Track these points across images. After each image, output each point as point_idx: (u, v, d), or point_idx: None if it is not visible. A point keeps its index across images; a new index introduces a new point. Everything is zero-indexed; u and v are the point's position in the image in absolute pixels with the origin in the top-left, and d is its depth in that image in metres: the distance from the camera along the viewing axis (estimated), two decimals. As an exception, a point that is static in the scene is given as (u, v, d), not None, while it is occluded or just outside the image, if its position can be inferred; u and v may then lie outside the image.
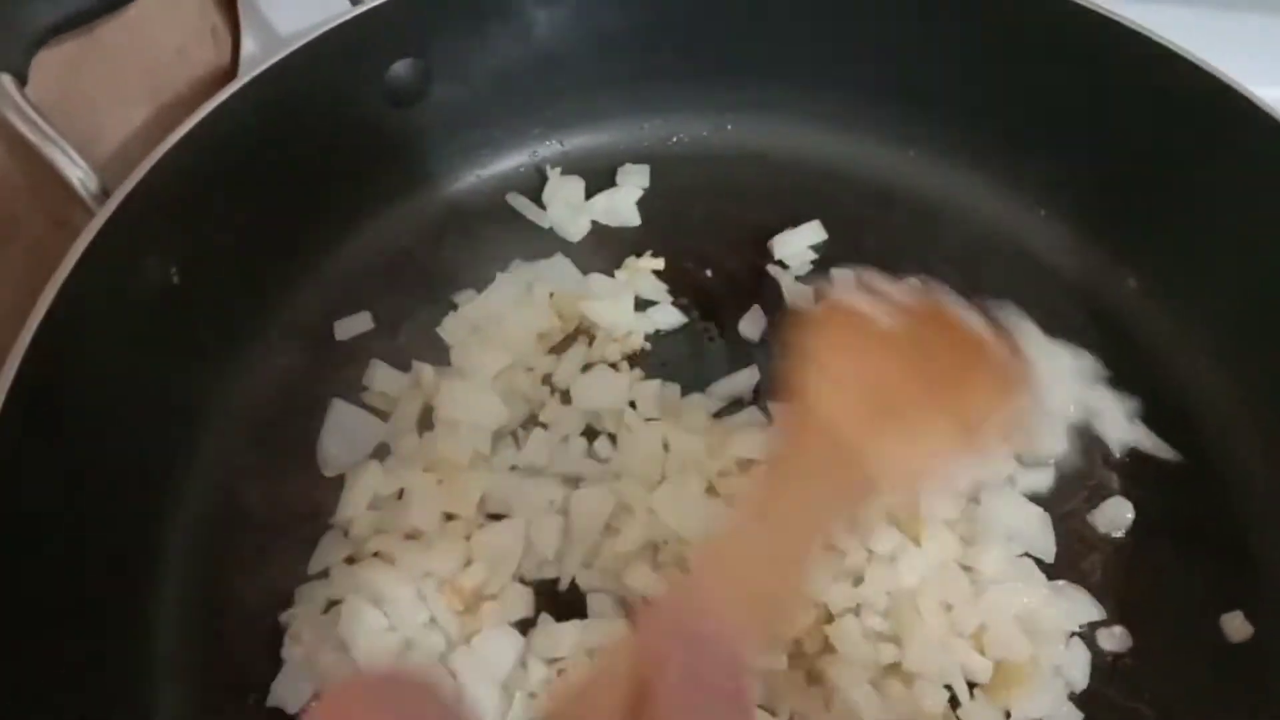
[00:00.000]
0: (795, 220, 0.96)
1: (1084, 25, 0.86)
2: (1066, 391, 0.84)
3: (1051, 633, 0.75)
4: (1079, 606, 0.77)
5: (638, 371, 0.87)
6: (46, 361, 0.66)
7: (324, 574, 0.78)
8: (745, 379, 0.87)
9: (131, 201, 0.72)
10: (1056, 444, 0.82)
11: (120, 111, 0.91)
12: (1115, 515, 0.82)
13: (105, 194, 0.73)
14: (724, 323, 0.91)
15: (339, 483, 0.81)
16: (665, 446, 0.81)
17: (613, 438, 0.83)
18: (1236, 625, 0.77)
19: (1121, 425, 0.85)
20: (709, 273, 0.94)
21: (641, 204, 0.97)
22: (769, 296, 0.92)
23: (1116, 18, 0.85)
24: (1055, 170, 0.95)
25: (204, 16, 1.02)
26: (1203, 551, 0.80)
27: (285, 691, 0.72)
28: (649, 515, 0.77)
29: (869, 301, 0.61)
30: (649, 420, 0.83)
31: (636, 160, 0.99)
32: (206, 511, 0.80)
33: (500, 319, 0.89)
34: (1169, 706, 0.75)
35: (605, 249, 0.95)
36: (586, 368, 0.87)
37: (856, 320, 0.60)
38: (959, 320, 0.62)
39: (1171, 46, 0.83)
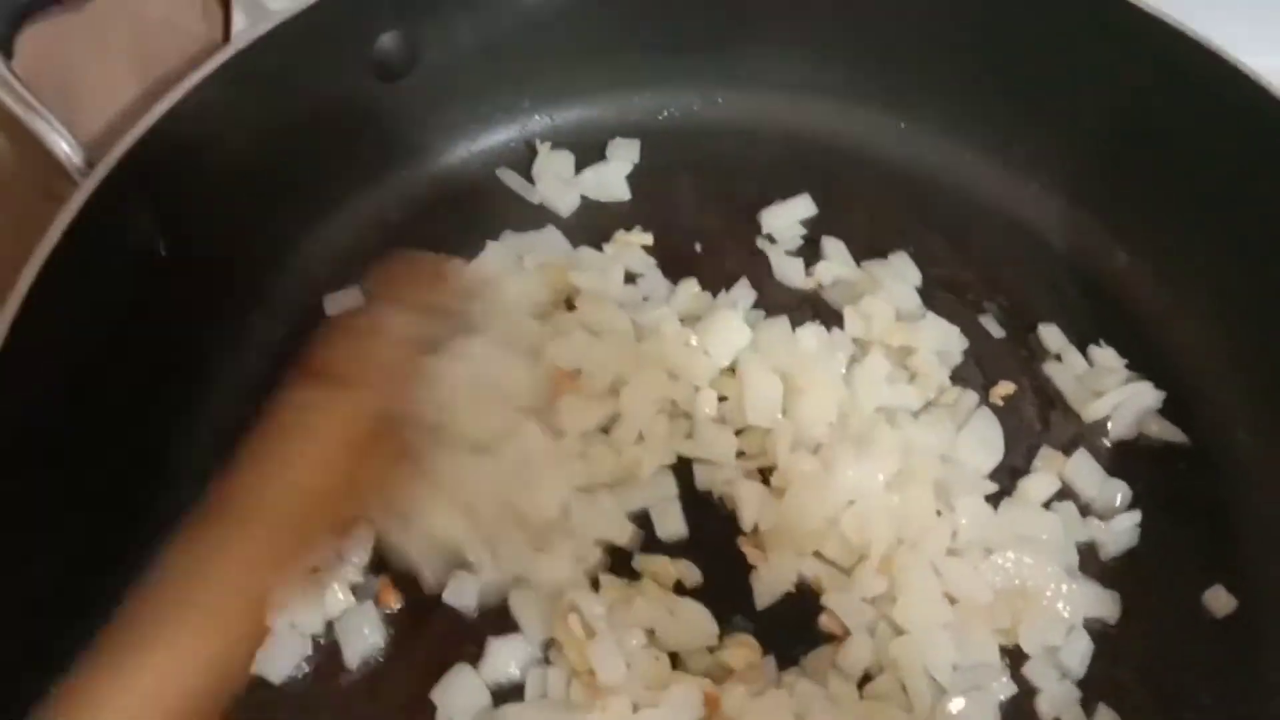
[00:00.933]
0: (785, 194, 0.96)
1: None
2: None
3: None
4: (1093, 600, 0.77)
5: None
6: (32, 334, 0.67)
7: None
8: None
9: (116, 174, 0.72)
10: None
11: (108, 82, 0.91)
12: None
13: (90, 166, 0.74)
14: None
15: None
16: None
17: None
18: (1220, 600, 0.77)
19: (1135, 416, 0.84)
20: (698, 247, 0.94)
21: (631, 178, 0.97)
22: (759, 270, 0.92)
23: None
24: (1047, 143, 0.94)
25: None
26: (1187, 524, 0.81)
27: (270, 661, 0.73)
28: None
29: None
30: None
31: (626, 134, 0.99)
32: (195, 483, 0.80)
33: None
34: (1153, 675, 0.75)
35: (594, 223, 0.95)
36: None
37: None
38: None
39: (1163, 17, 0.83)
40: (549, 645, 0.74)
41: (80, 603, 0.59)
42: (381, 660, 0.75)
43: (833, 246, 0.92)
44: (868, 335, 0.85)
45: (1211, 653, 0.76)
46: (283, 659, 0.73)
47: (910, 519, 0.76)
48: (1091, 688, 0.74)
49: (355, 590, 0.77)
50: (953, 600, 0.74)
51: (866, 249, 0.93)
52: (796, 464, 0.78)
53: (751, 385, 0.80)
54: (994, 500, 0.79)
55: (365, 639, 0.74)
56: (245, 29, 0.99)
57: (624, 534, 0.77)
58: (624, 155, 0.98)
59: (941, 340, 0.86)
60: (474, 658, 0.74)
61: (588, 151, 0.98)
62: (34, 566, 0.68)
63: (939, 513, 0.77)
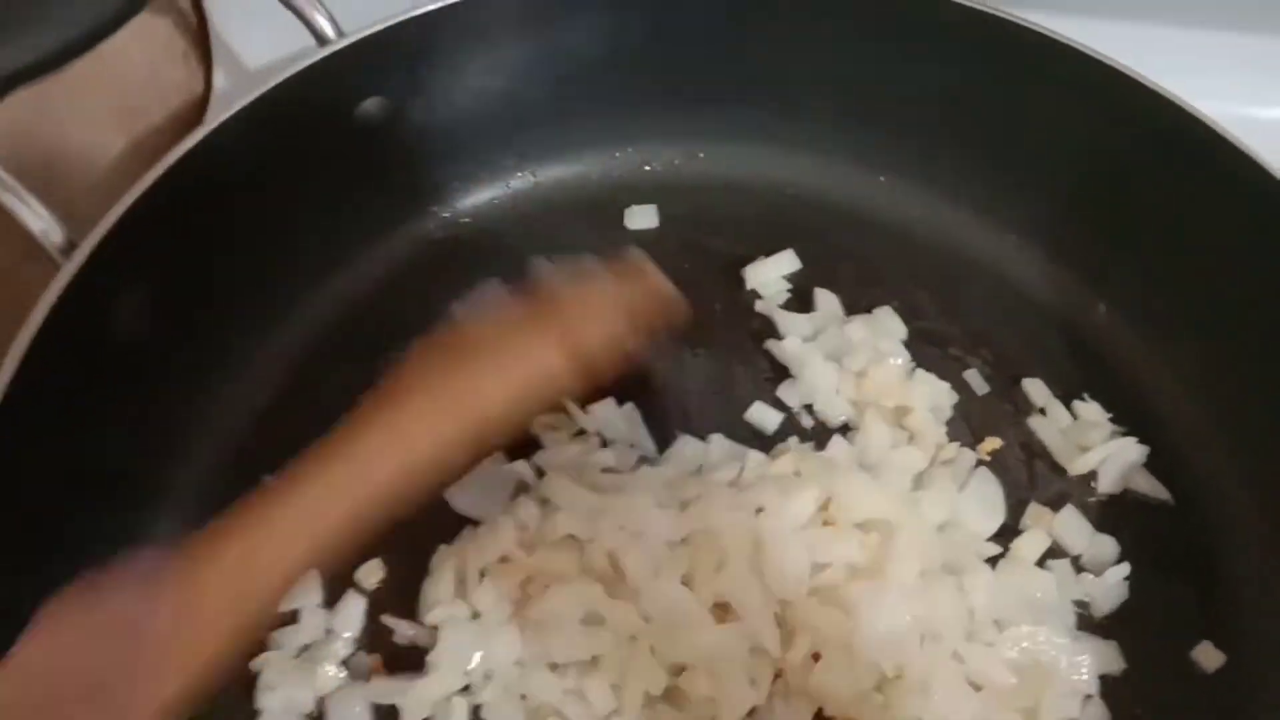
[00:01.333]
0: (769, 248, 0.96)
1: (1054, 55, 0.86)
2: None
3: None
4: (1100, 658, 0.76)
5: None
6: (19, 415, 0.66)
7: (294, 618, 0.77)
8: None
9: (97, 255, 0.71)
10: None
11: (91, 138, 0.90)
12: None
13: (71, 245, 0.73)
14: (696, 351, 0.91)
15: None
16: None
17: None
18: (1209, 655, 0.78)
19: (1121, 471, 0.85)
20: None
21: (613, 231, 0.97)
22: (745, 330, 0.92)
23: (1085, 49, 0.85)
24: (1027, 197, 0.95)
25: (175, 40, 1.01)
26: (1175, 578, 0.81)
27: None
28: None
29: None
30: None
31: (608, 189, 0.99)
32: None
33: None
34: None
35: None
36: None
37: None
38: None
39: (1138, 77, 0.84)
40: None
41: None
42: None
43: (825, 298, 0.93)
44: (861, 397, 0.85)
45: (1203, 709, 0.76)
46: (276, 740, 0.73)
47: (934, 614, 0.74)
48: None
49: (347, 666, 0.76)
50: (977, 688, 0.73)
51: (850, 304, 0.93)
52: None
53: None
54: (990, 562, 0.79)
55: (356, 718, 0.74)
56: (224, 89, 0.99)
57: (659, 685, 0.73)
58: (642, 221, 0.98)
59: (934, 397, 0.86)
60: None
61: (577, 207, 0.98)
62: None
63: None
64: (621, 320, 0.70)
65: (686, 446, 0.85)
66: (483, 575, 0.77)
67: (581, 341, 0.67)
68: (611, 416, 0.86)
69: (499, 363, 0.66)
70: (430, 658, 0.74)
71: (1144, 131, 0.86)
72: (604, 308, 0.71)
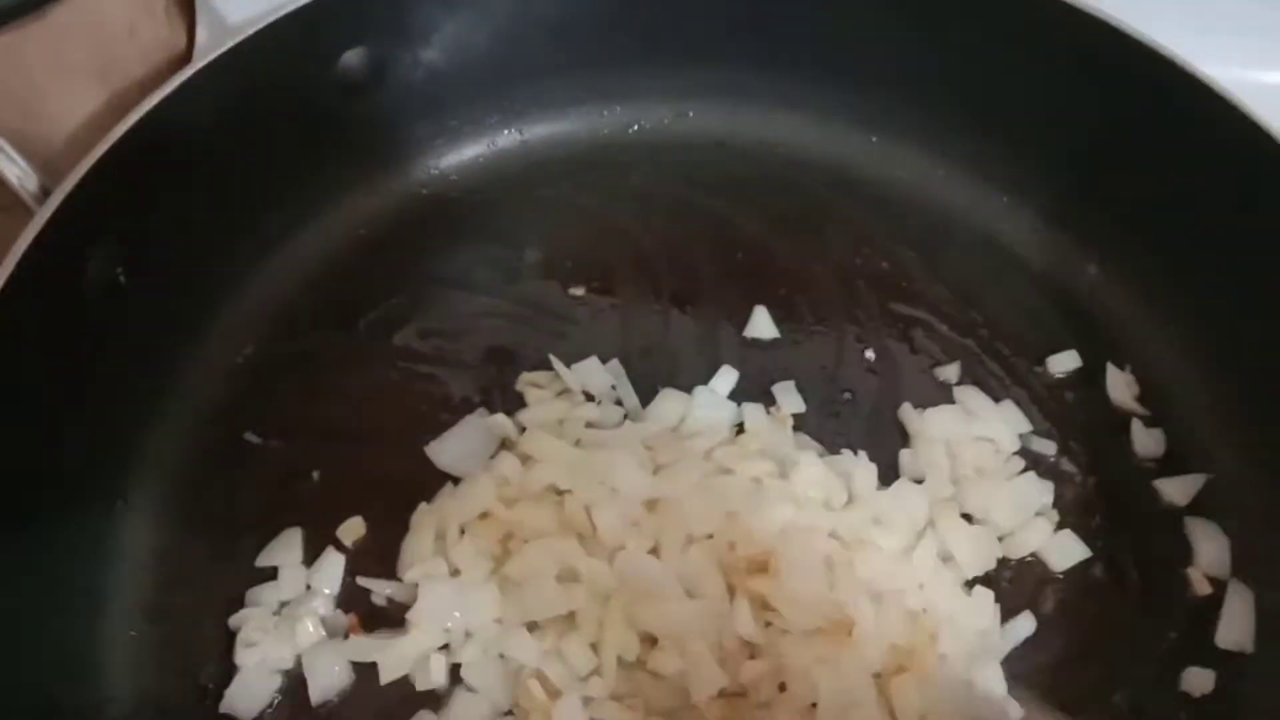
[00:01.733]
0: (759, 208, 0.95)
1: (1048, 12, 0.85)
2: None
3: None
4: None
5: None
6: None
7: (273, 575, 0.77)
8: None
9: (72, 201, 0.70)
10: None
11: (68, 92, 0.88)
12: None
13: (45, 192, 0.71)
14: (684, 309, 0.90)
15: (293, 485, 0.81)
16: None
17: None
18: (1199, 680, 0.75)
19: None
20: (668, 263, 0.93)
21: (601, 190, 0.96)
22: (735, 292, 0.91)
23: (1082, 6, 0.84)
24: (1019, 156, 0.94)
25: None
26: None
27: (239, 698, 0.71)
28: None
29: None
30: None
31: (596, 147, 0.98)
32: (157, 513, 0.79)
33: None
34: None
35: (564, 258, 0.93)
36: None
37: None
38: None
39: (1131, 32, 0.83)
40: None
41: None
42: (338, 701, 0.73)
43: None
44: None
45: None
46: (252, 696, 0.72)
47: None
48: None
49: (325, 624, 0.75)
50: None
51: (838, 266, 0.92)
52: None
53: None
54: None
55: (333, 676, 0.73)
56: (205, 44, 0.97)
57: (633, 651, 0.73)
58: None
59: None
60: (437, 705, 0.73)
61: (564, 166, 0.97)
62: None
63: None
64: None
65: (668, 401, 0.84)
66: (463, 533, 0.77)
67: None
68: (596, 373, 0.85)
69: None
70: (409, 615, 0.73)
71: (1141, 90, 0.84)
72: None
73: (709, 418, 0.83)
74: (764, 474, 0.78)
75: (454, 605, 0.73)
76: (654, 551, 0.74)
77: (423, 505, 0.79)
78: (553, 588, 0.73)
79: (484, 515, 0.77)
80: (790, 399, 0.85)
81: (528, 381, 0.85)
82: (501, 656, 0.73)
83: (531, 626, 0.73)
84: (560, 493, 0.77)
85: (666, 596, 0.72)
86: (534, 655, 0.72)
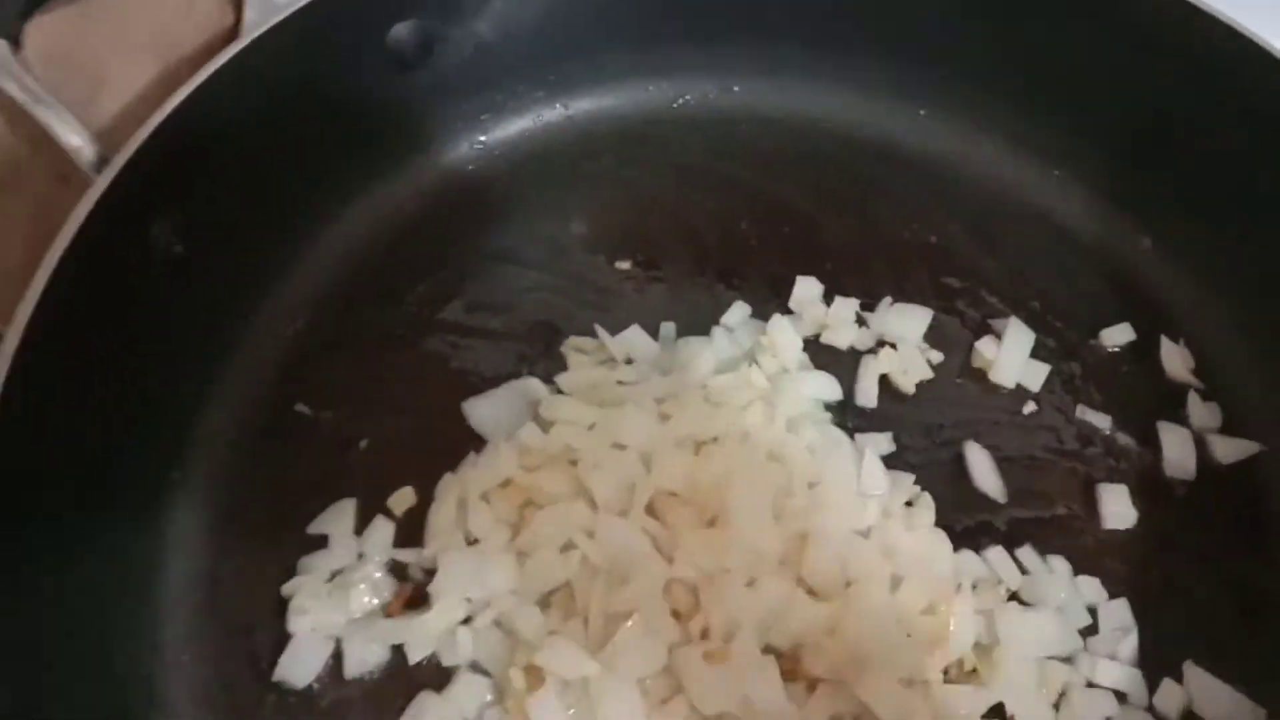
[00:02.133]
0: (804, 184, 0.94)
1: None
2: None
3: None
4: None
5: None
6: (47, 343, 0.65)
7: (324, 543, 0.77)
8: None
9: (129, 171, 0.71)
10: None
11: (125, 68, 0.89)
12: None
13: (103, 161, 0.72)
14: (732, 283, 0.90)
15: (344, 455, 0.81)
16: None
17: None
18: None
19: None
20: (714, 237, 0.93)
21: (646, 165, 0.96)
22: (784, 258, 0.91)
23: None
24: (1070, 130, 0.93)
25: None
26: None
27: (291, 666, 0.72)
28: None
29: None
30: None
31: (642, 121, 0.97)
32: (211, 484, 0.80)
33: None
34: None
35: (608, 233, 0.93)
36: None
37: None
38: None
39: (1197, 3, 0.81)
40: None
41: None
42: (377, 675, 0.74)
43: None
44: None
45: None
46: (304, 664, 0.73)
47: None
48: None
49: (376, 591, 0.76)
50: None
51: (885, 241, 0.92)
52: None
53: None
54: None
55: (369, 652, 0.73)
56: (252, 21, 0.97)
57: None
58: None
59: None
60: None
61: (609, 140, 0.96)
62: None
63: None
64: None
65: (687, 347, 0.84)
66: (489, 504, 0.77)
67: None
68: (640, 341, 0.85)
69: None
70: (431, 588, 0.73)
71: (1197, 61, 0.83)
72: None
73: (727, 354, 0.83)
74: (754, 406, 0.78)
75: (472, 576, 0.73)
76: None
77: (447, 475, 0.79)
78: (554, 557, 0.73)
79: (506, 484, 0.77)
80: (829, 386, 0.84)
81: (573, 346, 0.86)
82: (497, 624, 0.73)
83: (545, 603, 0.73)
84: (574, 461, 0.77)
85: (646, 571, 0.71)
86: (537, 632, 0.71)
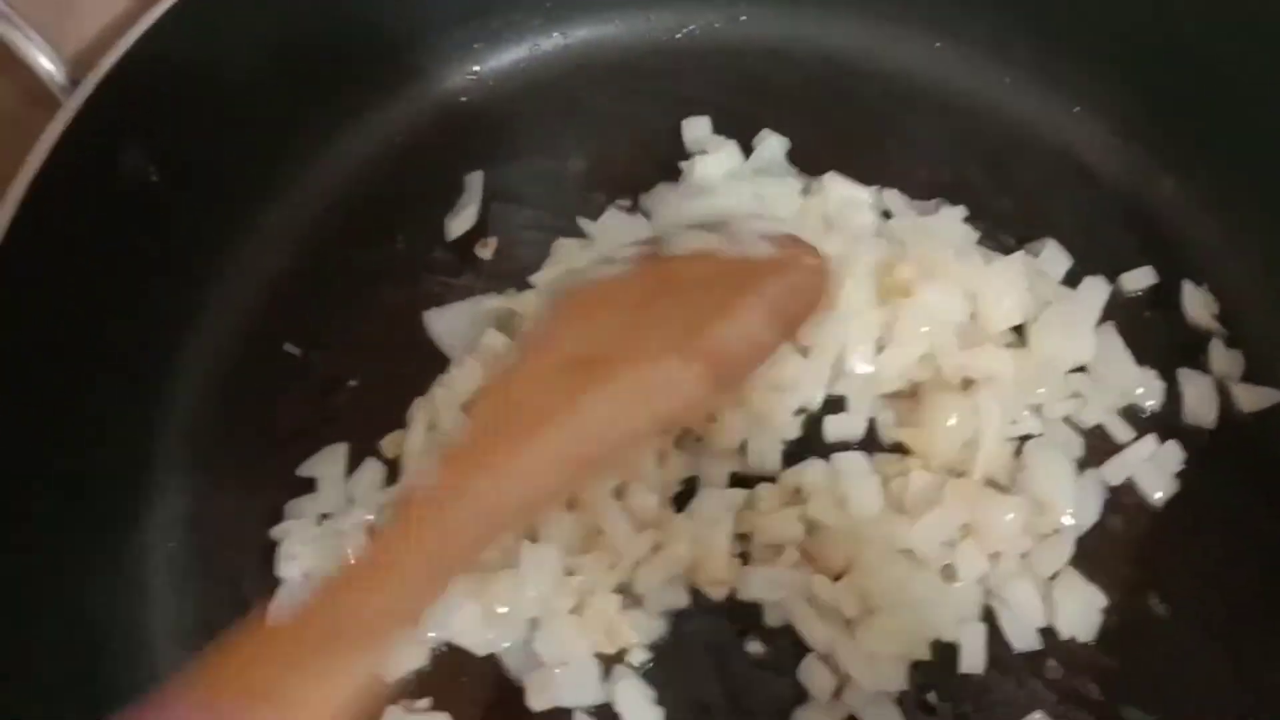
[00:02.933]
0: (813, 119, 0.90)
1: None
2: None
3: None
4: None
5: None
6: (14, 274, 0.63)
7: (312, 485, 0.75)
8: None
9: (101, 94, 0.68)
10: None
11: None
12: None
13: (74, 84, 0.69)
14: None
15: (333, 397, 0.79)
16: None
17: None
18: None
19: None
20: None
21: (647, 98, 0.91)
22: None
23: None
24: (1091, 63, 0.88)
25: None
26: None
27: (282, 611, 0.69)
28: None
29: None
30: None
31: (642, 52, 0.93)
32: (195, 424, 0.77)
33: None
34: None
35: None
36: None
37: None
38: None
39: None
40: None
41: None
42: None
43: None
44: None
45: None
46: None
47: None
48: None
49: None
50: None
51: (900, 179, 0.87)
52: None
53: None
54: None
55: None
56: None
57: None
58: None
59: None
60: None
61: (608, 71, 0.92)
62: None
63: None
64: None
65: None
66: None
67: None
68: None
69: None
70: None
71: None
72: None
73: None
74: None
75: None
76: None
77: (417, 399, 0.77)
78: None
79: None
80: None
81: (564, 246, 0.83)
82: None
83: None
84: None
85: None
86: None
